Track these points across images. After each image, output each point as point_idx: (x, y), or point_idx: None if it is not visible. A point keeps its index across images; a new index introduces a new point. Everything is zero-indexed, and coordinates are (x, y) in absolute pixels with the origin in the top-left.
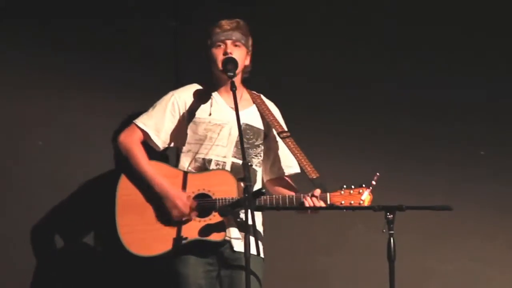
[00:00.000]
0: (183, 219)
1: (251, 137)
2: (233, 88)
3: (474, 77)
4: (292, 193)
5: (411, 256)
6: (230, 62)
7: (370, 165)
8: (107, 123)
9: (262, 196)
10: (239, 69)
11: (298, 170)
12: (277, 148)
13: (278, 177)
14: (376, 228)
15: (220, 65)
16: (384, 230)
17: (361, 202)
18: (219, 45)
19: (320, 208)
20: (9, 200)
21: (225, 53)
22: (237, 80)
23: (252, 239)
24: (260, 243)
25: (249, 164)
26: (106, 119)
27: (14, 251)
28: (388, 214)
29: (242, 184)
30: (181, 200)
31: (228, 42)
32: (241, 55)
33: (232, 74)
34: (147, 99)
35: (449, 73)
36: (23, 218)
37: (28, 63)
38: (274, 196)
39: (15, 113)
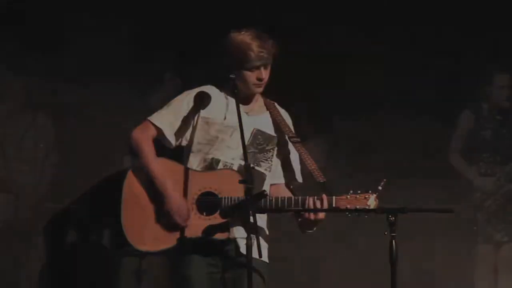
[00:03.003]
0: (182, 225)
1: (261, 142)
2: (235, 90)
3: (475, 80)
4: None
5: (413, 259)
6: None
7: (372, 167)
8: (109, 125)
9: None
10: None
11: (301, 180)
12: (286, 156)
13: (280, 183)
14: (378, 231)
15: (253, 88)
16: (386, 233)
17: (367, 207)
18: (253, 71)
19: (323, 210)
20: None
21: (259, 79)
22: None
23: (256, 243)
24: (265, 247)
25: (251, 166)
26: (108, 121)
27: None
28: (390, 216)
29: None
30: (181, 209)
31: (262, 67)
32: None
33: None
34: (150, 101)
35: (449, 75)
36: (24, 219)
37: (29, 65)
38: (279, 197)
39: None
